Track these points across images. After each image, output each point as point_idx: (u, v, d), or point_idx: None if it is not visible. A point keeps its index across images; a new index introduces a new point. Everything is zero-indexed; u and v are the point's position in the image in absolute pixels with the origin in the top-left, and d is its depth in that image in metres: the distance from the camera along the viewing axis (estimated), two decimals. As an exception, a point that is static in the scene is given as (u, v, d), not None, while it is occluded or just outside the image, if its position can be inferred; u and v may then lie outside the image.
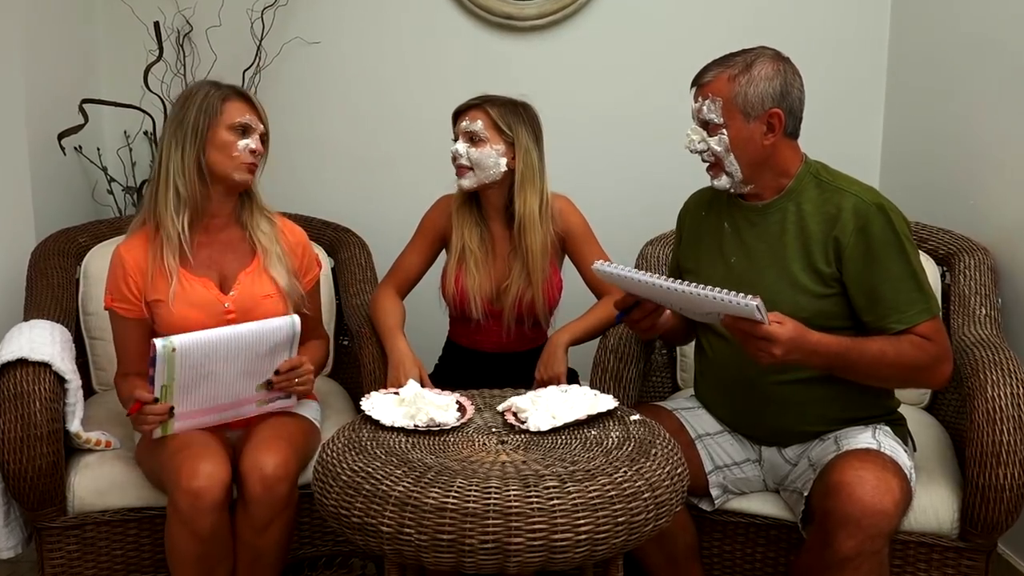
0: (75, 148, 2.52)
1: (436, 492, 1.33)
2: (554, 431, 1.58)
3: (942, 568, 1.73)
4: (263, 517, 1.71)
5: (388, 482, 1.37)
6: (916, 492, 1.69)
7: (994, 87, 2.21)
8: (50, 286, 2.14)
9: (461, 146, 2.03)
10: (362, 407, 1.66)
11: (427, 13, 2.70)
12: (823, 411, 1.72)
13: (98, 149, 2.60)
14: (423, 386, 1.76)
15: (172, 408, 1.71)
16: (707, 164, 1.74)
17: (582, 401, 1.65)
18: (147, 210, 1.85)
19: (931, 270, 2.12)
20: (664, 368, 2.31)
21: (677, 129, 1.87)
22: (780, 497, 1.80)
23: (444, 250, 2.19)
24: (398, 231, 2.25)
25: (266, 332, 1.74)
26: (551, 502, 1.31)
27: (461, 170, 2.04)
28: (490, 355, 2.17)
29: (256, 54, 2.61)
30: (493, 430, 1.60)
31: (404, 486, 1.35)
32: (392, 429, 1.59)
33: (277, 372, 1.79)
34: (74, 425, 1.83)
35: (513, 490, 1.32)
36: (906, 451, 1.70)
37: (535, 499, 1.31)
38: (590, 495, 1.34)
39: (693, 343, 1.96)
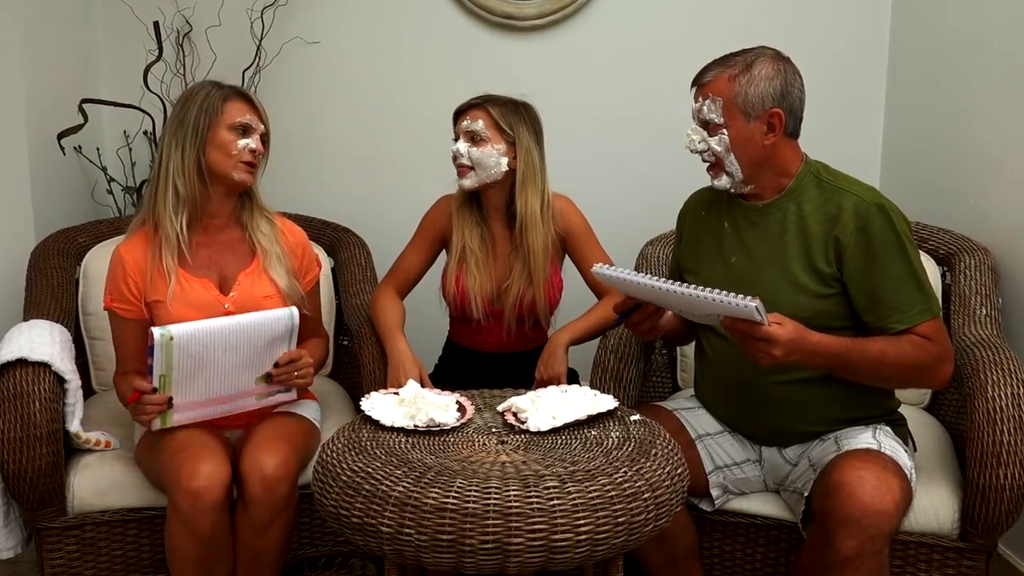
0: (75, 148, 2.52)
1: (436, 492, 1.33)
2: (554, 431, 1.58)
3: (942, 568, 1.73)
4: (263, 517, 1.71)
5: (388, 482, 1.37)
6: (916, 492, 1.69)
7: (994, 87, 2.21)
8: (50, 286, 2.14)
9: (462, 146, 2.03)
10: (362, 407, 1.66)
11: (427, 13, 2.70)
12: (823, 411, 1.72)
13: (98, 149, 2.60)
14: (423, 386, 1.76)
15: (171, 399, 1.71)
16: (707, 164, 1.74)
17: (582, 401, 1.65)
18: (146, 210, 1.85)
19: (931, 270, 2.11)
20: (664, 368, 2.31)
21: (677, 129, 1.87)
22: (780, 497, 1.80)
23: (444, 250, 2.19)
24: (398, 231, 2.25)
25: (265, 323, 1.74)
26: (551, 502, 1.31)
27: (462, 170, 2.04)
28: (490, 355, 2.17)
29: (256, 54, 2.61)
30: (493, 430, 1.60)
31: (404, 486, 1.35)
32: (392, 429, 1.59)
33: (276, 365, 1.79)
34: (74, 425, 1.83)
35: (513, 490, 1.32)
36: (906, 451, 1.70)
37: (535, 499, 1.31)
38: (590, 495, 1.33)
39: (693, 343, 1.96)
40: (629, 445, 1.50)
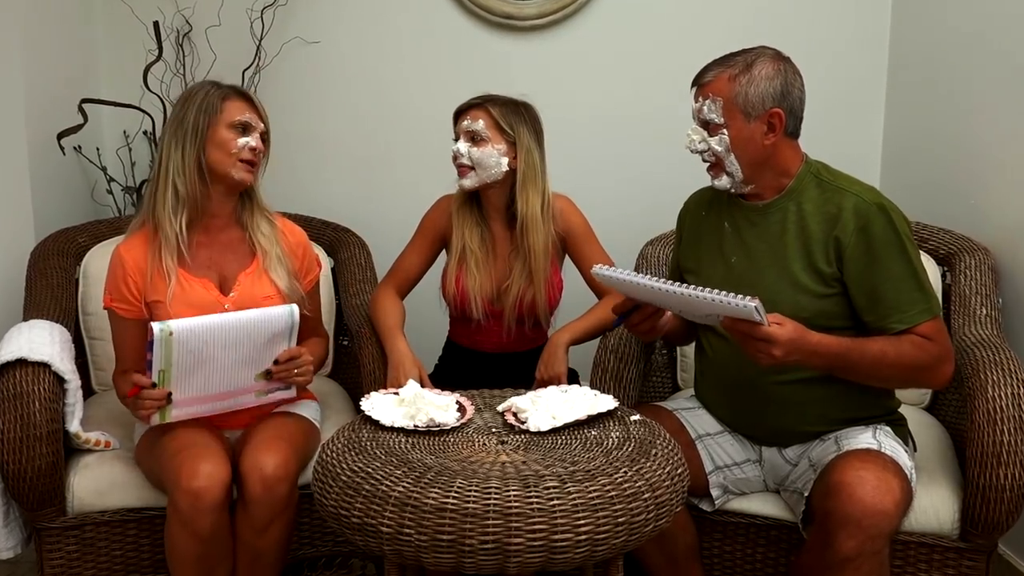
0: (74, 148, 2.52)
1: (436, 492, 1.33)
2: (554, 431, 1.58)
3: (943, 568, 1.73)
4: (263, 517, 1.71)
5: (388, 482, 1.37)
6: (917, 492, 1.69)
7: (995, 87, 2.21)
8: (49, 286, 2.14)
9: (462, 145, 2.03)
10: (362, 407, 1.66)
11: (427, 13, 2.70)
12: (823, 411, 1.72)
13: (97, 149, 2.60)
14: (423, 386, 1.76)
15: (170, 394, 1.71)
16: (707, 164, 1.74)
17: (582, 401, 1.65)
18: (146, 211, 1.85)
19: (932, 270, 2.11)
20: (664, 368, 2.31)
21: (677, 129, 1.87)
22: (780, 497, 1.80)
23: (444, 250, 2.18)
24: (398, 231, 2.25)
25: (265, 320, 1.74)
26: (551, 502, 1.31)
27: (462, 170, 2.04)
28: (490, 355, 2.17)
29: (256, 54, 2.61)
30: (493, 430, 1.60)
31: (404, 486, 1.35)
32: (392, 429, 1.59)
33: (276, 362, 1.79)
34: (73, 425, 1.83)
35: (513, 490, 1.32)
36: (907, 451, 1.70)
37: (535, 499, 1.31)
38: (590, 495, 1.33)
39: (694, 343, 1.95)
40: (629, 445, 1.50)
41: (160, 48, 2.54)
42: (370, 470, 1.41)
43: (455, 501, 1.31)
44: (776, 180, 1.72)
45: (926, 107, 2.52)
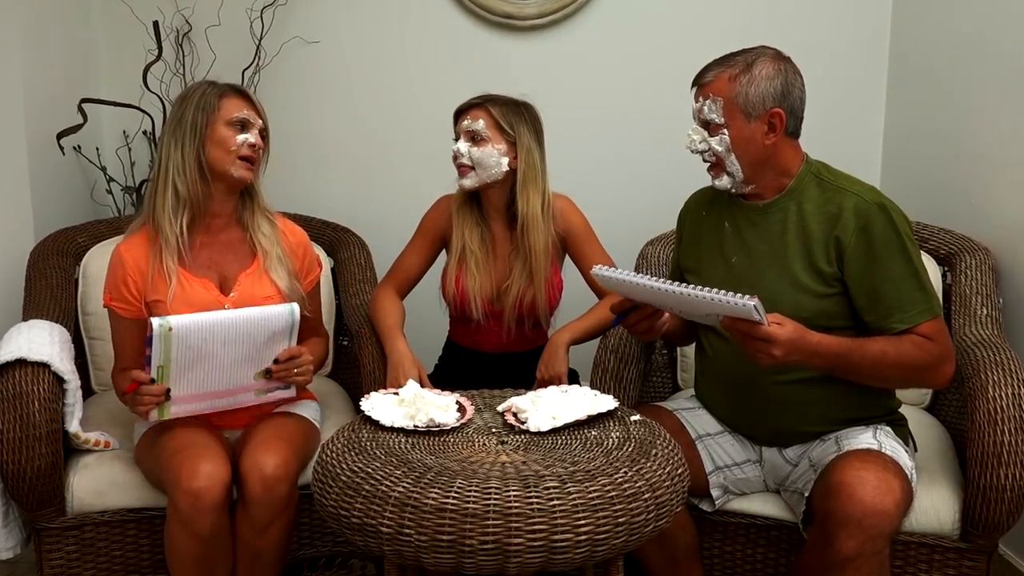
0: (74, 148, 2.51)
1: (436, 493, 1.32)
2: (554, 431, 1.57)
3: (943, 569, 1.72)
4: (263, 518, 1.71)
5: (388, 483, 1.36)
6: (917, 493, 1.69)
7: (995, 86, 2.21)
8: (49, 286, 2.14)
9: (463, 145, 2.03)
10: (362, 407, 1.66)
11: (427, 12, 2.69)
12: (824, 411, 1.72)
13: (97, 149, 2.60)
14: (423, 386, 1.76)
15: (168, 390, 1.70)
16: (708, 164, 1.74)
17: (582, 401, 1.65)
18: (146, 212, 1.85)
19: (932, 270, 2.11)
20: (664, 368, 2.31)
21: (677, 129, 1.87)
22: (781, 497, 1.80)
23: (444, 250, 2.18)
24: (398, 231, 2.24)
25: (265, 318, 1.73)
26: (551, 503, 1.31)
27: (462, 169, 2.04)
28: (490, 355, 2.17)
29: (255, 54, 2.61)
30: (493, 430, 1.60)
31: (404, 487, 1.35)
32: (392, 429, 1.58)
33: (276, 361, 1.79)
34: (73, 425, 1.83)
35: (513, 491, 1.32)
36: (907, 451, 1.70)
37: (535, 500, 1.31)
38: (590, 496, 1.33)
39: (694, 343, 1.95)
40: (629, 445, 1.50)
41: (160, 48, 2.54)
42: (370, 470, 1.41)
43: (455, 501, 1.31)
44: (777, 180, 1.72)
45: (926, 107, 2.52)
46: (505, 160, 2.02)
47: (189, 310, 1.79)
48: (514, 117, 2.03)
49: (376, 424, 1.60)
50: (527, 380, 2.03)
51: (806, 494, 1.65)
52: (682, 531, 1.76)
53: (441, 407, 1.62)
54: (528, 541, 1.29)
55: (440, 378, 2.10)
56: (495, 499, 1.31)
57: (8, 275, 2.23)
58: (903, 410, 1.80)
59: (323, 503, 1.45)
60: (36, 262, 2.20)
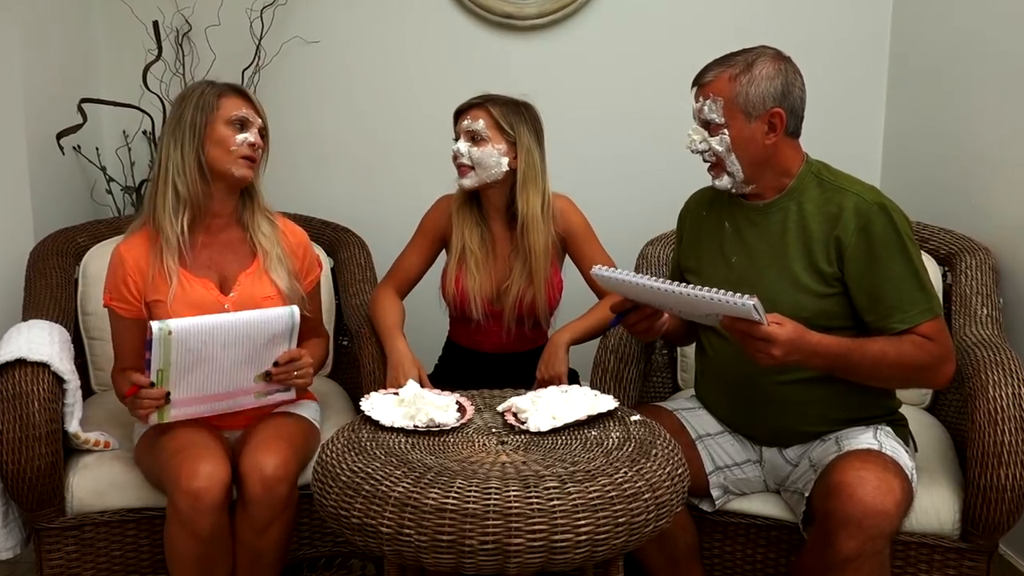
0: (74, 148, 2.51)
1: (436, 493, 1.32)
2: (554, 431, 1.57)
3: (943, 569, 1.72)
4: (263, 518, 1.71)
5: (388, 483, 1.36)
6: (917, 493, 1.69)
7: (995, 86, 2.21)
8: (48, 286, 2.14)
9: (463, 145, 2.03)
10: (362, 407, 1.66)
11: (427, 12, 2.69)
12: (824, 411, 1.72)
13: (97, 149, 2.60)
14: (423, 386, 1.76)
15: (168, 393, 1.70)
16: (708, 164, 1.74)
17: (582, 401, 1.65)
18: (147, 213, 1.85)
19: (932, 270, 2.11)
20: (665, 368, 2.31)
21: (678, 129, 1.86)
22: (781, 498, 1.80)
23: (444, 250, 2.18)
24: (398, 231, 2.24)
25: (265, 321, 1.73)
26: (551, 503, 1.31)
27: (462, 169, 2.04)
28: (490, 355, 2.17)
29: (255, 53, 2.61)
30: (493, 430, 1.60)
31: (404, 487, 1.35)
32: (392, 429, 1.58)
33: (276, 363, 1.79)
34: (73, 425, 1.83)
35: (513, 491, 1.32)
36: (907, 451, 1.70)
37: (535, 500, 1.31)
38: (590, 496, 1.33)
39: (694, 343, 1.95)
40: (629, 445, 1.50)
41: (160, 48, 2.54)
42: (370, 470, 1.40)
43: (455, 501, 1.31)
44: (777, 180, 1.72)
45: (927, 106, 2.52)
46: (505, 160, 2.02)
47: (189, 310, 1.79)
48: (514, 117, 2.03)
49: (376, 424, 1.60)
50: (527, 380, 2.03)
51: (806, 494, 1.65)
52: (682, 531, 1.76)
53: (441, 407, 1.62)
54: (528, 541, 1.29)
55: (440, 378, 2.10)
56: (495, 499, 1.30)
57: (8, 275, 2.23)
58: (903, 410, 1.80)
59: (323, 503, 1.45)
60: (36, 262, 2.20)
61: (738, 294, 1.43)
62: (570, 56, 2.71)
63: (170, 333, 1.64)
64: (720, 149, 1.68)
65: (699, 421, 1.84)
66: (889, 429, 1.72)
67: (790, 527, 1.77)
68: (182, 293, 1.81)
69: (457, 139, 2.05)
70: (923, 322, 1.61)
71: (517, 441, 1.55)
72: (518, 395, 1.70)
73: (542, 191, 2.05)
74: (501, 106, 2.03)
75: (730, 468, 1.80)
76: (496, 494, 1.31)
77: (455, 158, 2.04)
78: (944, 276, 2.15)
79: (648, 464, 1.43)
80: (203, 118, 1.81)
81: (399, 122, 2.74)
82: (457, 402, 1.69)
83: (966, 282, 2.06)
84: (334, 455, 1.49)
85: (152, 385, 1.68)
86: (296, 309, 1.77)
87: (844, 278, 1.65)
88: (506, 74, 2.61)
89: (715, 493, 1.79)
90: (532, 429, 1.57)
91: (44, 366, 1.79)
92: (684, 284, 1.51)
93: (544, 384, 1.95)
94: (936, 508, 1.71)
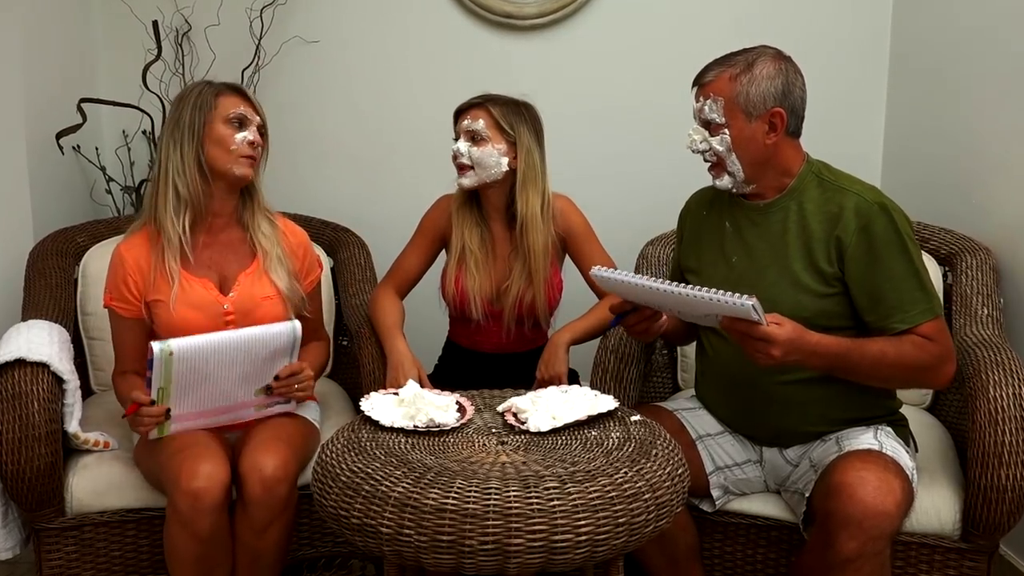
0: (73, 147, 2.51)
1: (436, 493, 1.32)
2: (554, 432, 1.57)
3: (944, 569, 1.72)
4: (262, 518, 1.71)
5: (388, 483, 1.36)
6: (918, 493, 1.68)
7: (996, 86, 2.21)
8: (48, 286, 2.14)
9: (462, 145, 2.03)
10: (361, 408, 1.66)
11: (427, 12, 2.69)
12: (824, 411, 1.72)
13: (96, 149, 2.60)
14: (422, 386, 1.75)
15: (169, 410, 1.70)
16: (709, 164, 1.74)
17: (582, 402, 1.64)
18: (147, 213, 1.85)
19: (933, 270, 2.11)
20: (665, 368, 2.31)
21: (678, 128, 1.86)
22: (781, 498, 1.80)
23: (444, 250, 2.18)
24: (398, 231, 2.24)
25: (266, 337, 1.73)
26: (551, 503, 1.31)
27: (462, 169, 2.04)
28: (490, 356, 2.16)
29: (255, 53, 2.61)
30: (493, 431, 1.60)
31: (404, 487, 1.35)
32: (391, 430, 1.58)
33: (277, 377, 1.78)
34: (72, 426, 1.83)
35: (513, 491, 1.32)
36: (908, 452, 1.69)
37: (535, 500, 1.31)
38: (590, 496, 1.33)
39: (694, 343, 1.95)
40: (629, 446, 1.49)
41: (159, 47, 2.54)
42: (370, 470, 1.40)
43: (455, 502, 1.31)
44: (777, 180, 1.72)
45: (927, 106, 2.52)
46: (505, 160, 2.02)
47: (189, 310, 1.79)
48: (514, 117, 2.03)
49: (376, 424, 1.60)
50: (527, 380, 2.03)
51: (807, 494, 1.65)
52: (682, 531, 1.76)
53: (441, 407, 1.62)
54: (528, 541, 1.29)
55: (440, 378, 2.10)
56: (495, 499, 1.30)
57: (7, 275, 2.23)
58: (904, 410, 1.80)
59: (323, 503, 1.44)
60: (35, 262, 2.20)
61: (737, 294, 1.43)
62: (570, 56, 2.70)
63: (171, 354, 1.63)
64: (721, 149, 1.68)
65: (699, 421, 1.84)
66: (890, 429, 1.72)
67: (790, 527, 1.77)
68: (182, 293, 1.81)
69: (457, 139, 2.05)
70: (923, 322, 1.61)
71: (517, 441, 1.55)
72: (518, 395, 1.70)
73: (542, 191, 2.05)
74: (501, 106, 2.03)
75: (730, 468, 1.80)
76: (496, 494, 1.31)
77: (455, 158, 2.04)
78: (944, 276, 2.14)
79: (648, 464, 1.43)
80: (201, 117, 1.80)
81: (399, 122, 2.74)
82: (457, 402, 1.68)
83: (966, 282, 2.05)
84: (334, 455, 1.49)
85: (153, 403, 1.68)
86: (298, 324, 1.77)
87: (844, 278, 1.65)
88: (506, 74, 2.61)
89: (715, 493, 1.79)
90: (532, 429, 1.57)
91: (44, 366, 1.79)
92: (683, 285, 1.51)
93: (544, 384, 1.95)
94: (936, 508, 1.70)
